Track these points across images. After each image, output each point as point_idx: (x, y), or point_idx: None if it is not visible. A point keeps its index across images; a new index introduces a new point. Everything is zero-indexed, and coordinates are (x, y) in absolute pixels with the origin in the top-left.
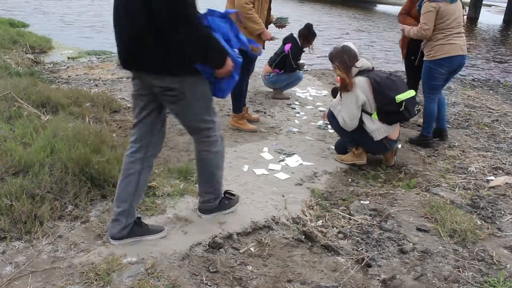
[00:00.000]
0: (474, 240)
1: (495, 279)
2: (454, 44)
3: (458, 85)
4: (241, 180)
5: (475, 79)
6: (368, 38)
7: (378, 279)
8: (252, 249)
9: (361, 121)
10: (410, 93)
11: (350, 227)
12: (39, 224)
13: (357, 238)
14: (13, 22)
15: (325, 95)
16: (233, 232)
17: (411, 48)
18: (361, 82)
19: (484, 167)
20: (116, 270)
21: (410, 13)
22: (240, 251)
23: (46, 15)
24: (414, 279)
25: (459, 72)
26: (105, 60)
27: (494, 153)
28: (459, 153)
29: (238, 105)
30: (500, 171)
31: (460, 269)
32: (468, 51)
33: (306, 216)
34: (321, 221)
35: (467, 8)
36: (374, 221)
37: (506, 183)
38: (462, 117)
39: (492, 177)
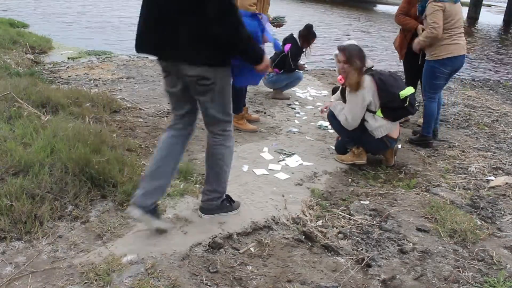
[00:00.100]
0: (474, 240)
1: (495, 279)
2: (458, 44)
3: (458, 85)
4: (241, 180)
5: (475, 79)
6: (369, 39)
7: (378, 279)
8: (252, 249)
9: (362, 120)
10: (410, 89)
11: (350, 227)
12: (39, 224)
13: (357, 238)
14: (13, 22)
15: (325, 95)
16: (233, 232)
17: (411, 49)
18: (367, 82)
19: (484, 167)
20: (116, 270)
21: (409, 14)
22: (240, 251)
23: (46, 15)
24: (414, 279)
25: (459, 72)
26: (105, 60)
27: (494, 153)
28: (459, 153)
29: (238, 105)
30: (500, 171)
31: (460, 269)
32: (468, 51)
33: (306, 216)
34: (321, 221)
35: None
36: (374, 221)
37: (506, 183)
38: (462, 117)
39: (492, 177)
